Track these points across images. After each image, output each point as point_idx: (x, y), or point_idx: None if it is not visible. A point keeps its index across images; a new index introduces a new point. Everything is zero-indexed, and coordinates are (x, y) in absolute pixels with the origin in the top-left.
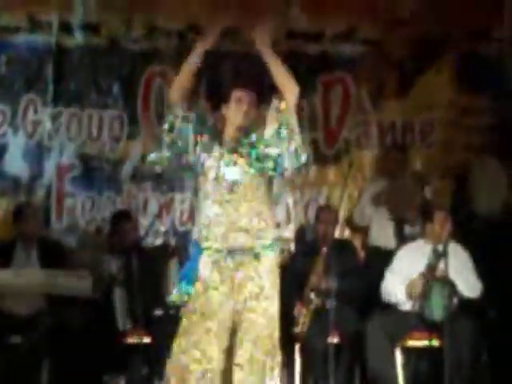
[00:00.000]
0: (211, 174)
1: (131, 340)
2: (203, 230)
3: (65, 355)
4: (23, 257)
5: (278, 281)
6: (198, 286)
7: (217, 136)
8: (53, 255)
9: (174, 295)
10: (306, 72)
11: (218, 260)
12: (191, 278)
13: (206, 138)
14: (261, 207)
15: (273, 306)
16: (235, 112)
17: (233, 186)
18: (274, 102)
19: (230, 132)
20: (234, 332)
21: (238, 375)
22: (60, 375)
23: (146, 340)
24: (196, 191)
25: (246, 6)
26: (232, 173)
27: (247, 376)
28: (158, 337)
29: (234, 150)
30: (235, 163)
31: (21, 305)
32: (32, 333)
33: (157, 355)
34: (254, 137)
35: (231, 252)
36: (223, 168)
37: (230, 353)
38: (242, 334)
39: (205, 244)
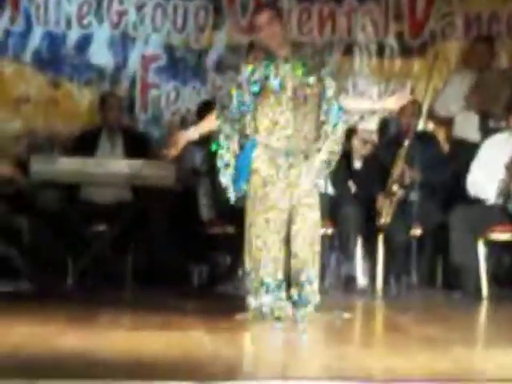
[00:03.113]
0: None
1: (215, 230)
2: (265, 130)
3: (149, 245)
4: (108, 146)
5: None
6: (257, 179)
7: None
8: (138, 146)
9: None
10: None
11: (274, 157)
12: (245, 175)
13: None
14: (316, 117)
15: (317, 203)
16: (266, 39)
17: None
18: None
19: (276, 50)
20: (289, 224)
21: (293, 262)
22: (144, 264)
23: (229, 230)
24: None
25: None
26: (298, 85)
27: (302, 263)
28: (240, 227)
29: (294, 66)
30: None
31: (105, 194)
32: (116, 222)
33: (239, 245)
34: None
35: (287, 152)
36: (291, 81)
37: (286, 242)
38: (296, 227)
39: (263, 140)
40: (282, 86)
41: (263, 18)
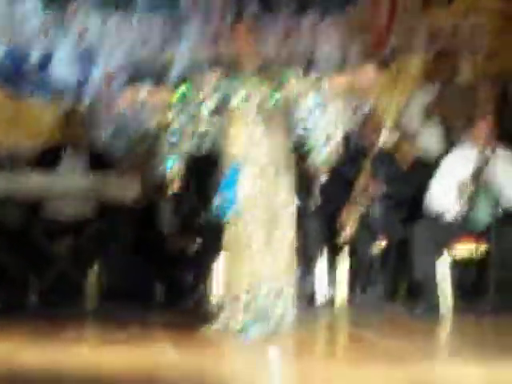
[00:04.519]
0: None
1: (178, 246)
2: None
3: (112, 261)
4: (72, 162)
5: None
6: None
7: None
8: (101, 161)
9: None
10: None
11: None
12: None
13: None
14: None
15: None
16: (240, 48)
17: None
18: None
19: (246, 62)
20: None
21: None
22: (108, 280)
23: (193, 246)
24: None
25: None
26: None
27: None
28: (204, 243)
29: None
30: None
31: (68, 210)
32: (79, 238)
33: (203, 261)
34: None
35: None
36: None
37: None
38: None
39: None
40: (246, 101)
41: (242, 27)
